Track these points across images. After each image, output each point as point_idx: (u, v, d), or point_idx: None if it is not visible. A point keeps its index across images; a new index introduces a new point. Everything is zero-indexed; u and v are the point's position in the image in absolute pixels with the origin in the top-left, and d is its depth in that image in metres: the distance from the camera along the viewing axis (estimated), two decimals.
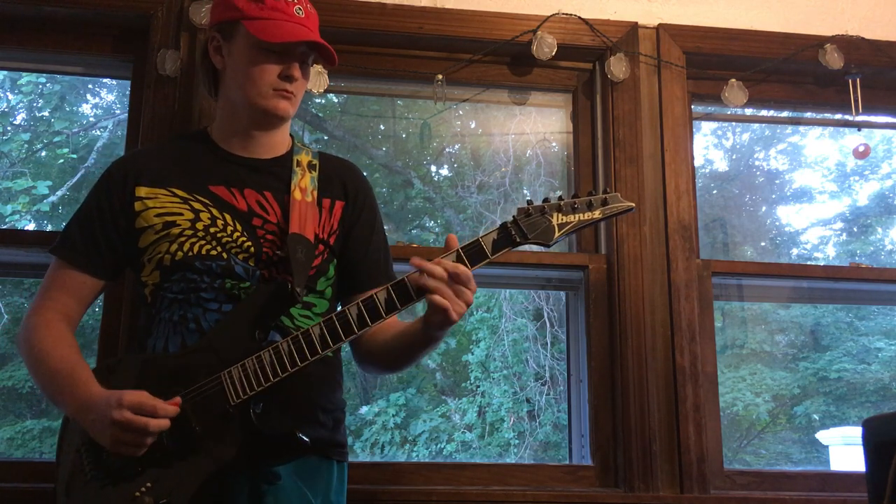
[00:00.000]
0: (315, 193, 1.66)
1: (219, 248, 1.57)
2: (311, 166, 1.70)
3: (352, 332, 1.45)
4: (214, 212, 1.59)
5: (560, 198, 1.49)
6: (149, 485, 1.43)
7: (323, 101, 3.95)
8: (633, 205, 1.50)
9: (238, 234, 1.58)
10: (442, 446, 4.89)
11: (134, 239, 1.61)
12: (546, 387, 4.76)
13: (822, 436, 4.70)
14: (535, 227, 1.47)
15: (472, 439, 4.91)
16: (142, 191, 1.62)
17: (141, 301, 1.64)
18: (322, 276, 1.64)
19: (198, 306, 1.55)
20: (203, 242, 1.57)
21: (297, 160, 1.69)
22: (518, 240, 1.46)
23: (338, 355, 1.70)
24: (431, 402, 5.17)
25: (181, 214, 1.59)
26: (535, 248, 1.51)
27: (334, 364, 1.68)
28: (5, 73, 4.04)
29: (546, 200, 1.49)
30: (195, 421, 1.44)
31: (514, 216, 1.48)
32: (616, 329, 2.29)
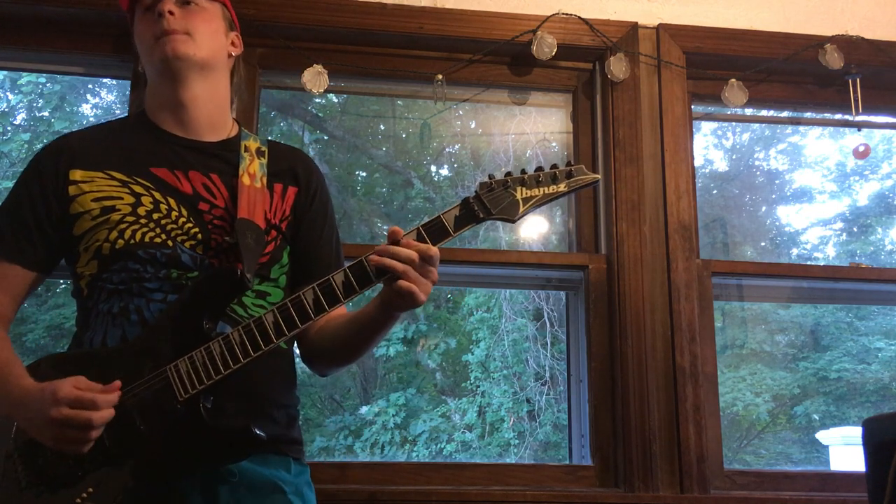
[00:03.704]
0: (265, 179, 1.59)
1: (163, 236, 1.46)
2: (259, 153, 1.62)
3: (308, 318, 1.36)
4: (157, 195, 1.49)
5: (523, 171, 1.43)
6: (90, 490, 1.31)
7: (323, 101, 3.95)
8: (599, 177, 1.46)
9: (183, 219, 1.48)
10: (442, 446, 4.90)
11: (68, 226, 1.49)
12: (546, 387, 4.77)
13: (822, 436, 4.70)
14: (499, 202, 1.40)
15: (472, 439, 4.91)
16: (76, 174, 1.50)
17: (76, 294, 1.53)
18: (276, 263, 1.56)
19: (140, 297, 1.44)
20: (146, 230, 1.46)
21: (245, 146, 1.61)
22: (482, 216, 1.39)
23: (291, 348, 1.60)
24: (431, 402, 5.17)
25: (121, 199, 1.48)
26: (499, 223, 1.45)
27: (287, 356, 1.58)
28: (5, 73, 4.04)
29: (508, 174, 1.42)
30: (140, 419, 1.33)
31: (476, 191, 1.41)
32: (616, 329, 2.28)
